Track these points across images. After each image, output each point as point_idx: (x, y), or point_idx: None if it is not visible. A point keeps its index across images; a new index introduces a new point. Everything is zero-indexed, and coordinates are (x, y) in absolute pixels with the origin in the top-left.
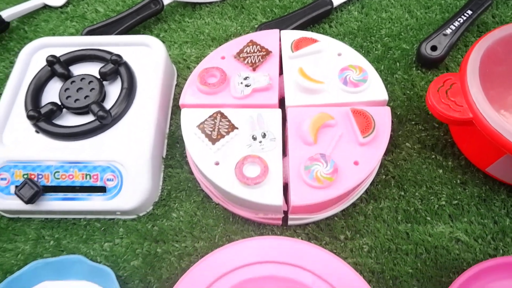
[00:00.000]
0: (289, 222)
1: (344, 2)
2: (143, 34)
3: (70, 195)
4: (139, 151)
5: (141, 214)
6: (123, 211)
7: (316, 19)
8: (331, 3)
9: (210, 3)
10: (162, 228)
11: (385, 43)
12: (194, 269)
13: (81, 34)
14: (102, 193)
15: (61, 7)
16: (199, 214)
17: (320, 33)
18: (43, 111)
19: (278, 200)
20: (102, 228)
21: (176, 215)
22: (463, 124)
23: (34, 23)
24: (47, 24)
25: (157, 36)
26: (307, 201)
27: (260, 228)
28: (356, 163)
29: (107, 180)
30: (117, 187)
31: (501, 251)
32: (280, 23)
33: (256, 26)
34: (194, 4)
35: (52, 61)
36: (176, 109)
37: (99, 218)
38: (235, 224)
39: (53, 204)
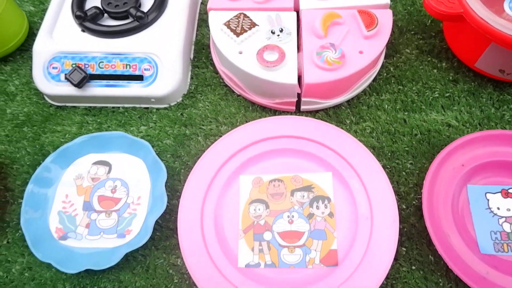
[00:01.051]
0: (302, 107)
1: None
2: None
3: (112, 82)
4: (172, 45)
5: (172, 104)
6: (157, 97)
7: None
8: None
9: None
10: (190, 115)
11: None
12: (218, 143)
13: None
14: (139, 81)
15: None
16: (222, 104)
17: None
18: (88, 13)
19: (293, 79)
20: (138, 115)
21: (202, 104)
22: (455, 19)
23: None
24: None
25: None
26: (318, 80)
27: (276, 115)
28: (361, 52)
29: (144, 69)
30: (153, 76)
31: None
32: None
33: None
34: None
35: None
36: (201, 22)
37: (135, 106)
38: (254, 112)
39: (97, 90)
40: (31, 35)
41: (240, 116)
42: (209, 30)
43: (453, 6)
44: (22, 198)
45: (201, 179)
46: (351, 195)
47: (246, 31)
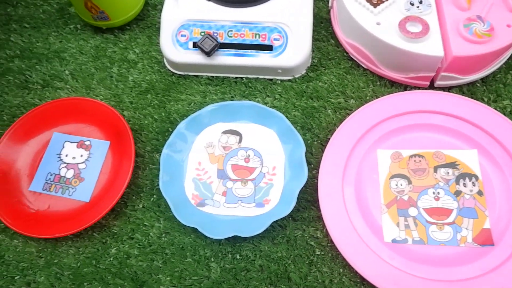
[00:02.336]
0: (437, 82)
1: None
2: None
3: (241, 51)
4: (303, 15)
5: (296, 76)
6: (286, 68)
7: None
8: None
9: None
10: (316, 88)
11: None
12: (354, 115)
13: None
14: (268, 51)
15: None
16: (348, 78)
17: None
18: None
19: (440, 51)
20: (262, 86)
21: (327, 78)
22: None
23: None
24: None
25: None
26: (468, 53)
27: (406, 89)
28: (508, 25)
29: (274, 39)
30: (282, 46)
31: None
32: None
33: None
34: None
35: None
36: None
37: (258, 77)
38: (382, 86)
39: (225, 59)
40: (145, 4)
41: (370, 91)
42: (326, 3)
43: None
44: (152, 164)
45: (338, 152)
46: (502, 173)
47: (383, 1)
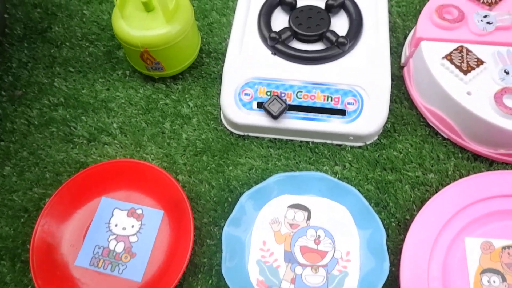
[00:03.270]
0: None
1: None
2: None
3: (310, 115)
4: (381, 77)
5: (367, 142)
6: (361, 135)
7: None
8: None
9: None
10: (390, 157)
11: None
12: (438, 196)
13: None
14: (341, 116)
15: None
16: (426, 147)
17: None
18: (282, 35)
19: None
20: (329, 153)
21: (402, 146)
22: None
23: None
24: None
25: None
26: None
27: (493, 165)
28: None
29: (348, 103)
30: (357, 111)
31: None
32: None
33: None
34: None
35: None
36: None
37: (326, 142)
38: (465, 160)
39: (293, 122)
40: (199, 51)
41: (451, 164)
42: (397, 57)
43: None
44: (210, 239)
45: (422, 240)
46: None
47: (473, 68)
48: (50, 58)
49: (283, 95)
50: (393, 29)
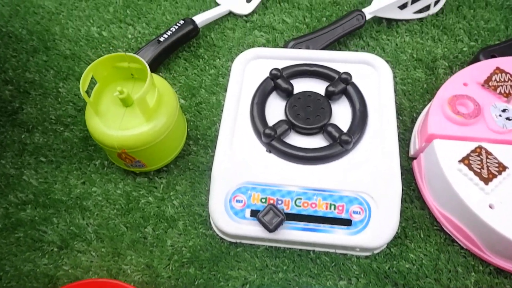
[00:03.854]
0: None
1: None
2: (337, 50)
3: (311, 225)
4: (390, 183)
5: (375, 252)
6: (369, 248)
7: None
8: None
9: (407, 20)
10: (402, 271)
11: None
12: None
13: (286, 47)
14: (346, 227)
15: (246, 15)
16: (442, 258)
17: None
18: (278, 129)
19: None
20: (333, 263)
21: (415, 256)
22: None
23: (219, 30)
24: (233, 32)
25: None
26: None
27: None
28: None
29: (353, 212)
30: (364, 221)
31: None
32: None
33: (464, 48)
34: (390, 20)
35: (276, 74)
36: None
37: (328, 251)
38: (487, 275)
39: (291, 233)
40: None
41: (472, 280)
42: (404, 145)
43: None
44: None
45: None
46: None
47: (495, 176)
48: (20, 145)
49: (280, 202)
50: (399, 111)
